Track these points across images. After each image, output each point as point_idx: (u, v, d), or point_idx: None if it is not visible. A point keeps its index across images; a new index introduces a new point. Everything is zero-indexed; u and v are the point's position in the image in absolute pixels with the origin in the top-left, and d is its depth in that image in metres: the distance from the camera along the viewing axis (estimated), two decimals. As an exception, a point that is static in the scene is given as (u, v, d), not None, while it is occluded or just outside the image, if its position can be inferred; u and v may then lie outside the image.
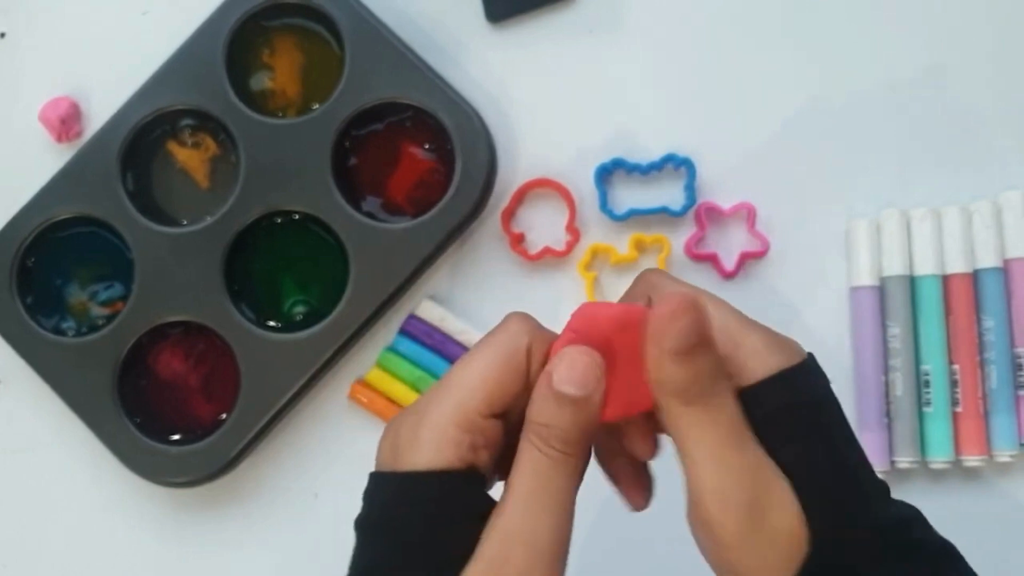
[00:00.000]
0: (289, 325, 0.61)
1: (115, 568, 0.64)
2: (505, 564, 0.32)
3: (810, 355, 0.35)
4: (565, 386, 0.32)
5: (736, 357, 0.34)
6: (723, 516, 0.32)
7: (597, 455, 0.37)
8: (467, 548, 0.33)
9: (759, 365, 0.34)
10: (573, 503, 0.33)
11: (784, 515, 0.33)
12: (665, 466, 0.37)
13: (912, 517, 0.35)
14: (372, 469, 0.36)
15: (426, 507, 0.33)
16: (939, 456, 0.57)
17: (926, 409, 0.58)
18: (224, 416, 0.60)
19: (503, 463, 0.35)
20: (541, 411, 0.33)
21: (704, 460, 0.33)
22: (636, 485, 0.37)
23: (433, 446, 0.33)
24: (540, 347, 0.34)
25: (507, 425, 0.35)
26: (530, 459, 0.33)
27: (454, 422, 0.33)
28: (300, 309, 0.62)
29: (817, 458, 0.34)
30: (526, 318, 0.35)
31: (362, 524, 0.35)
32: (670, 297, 0.32)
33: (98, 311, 0.63)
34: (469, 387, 0.34)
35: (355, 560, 0.35)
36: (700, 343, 0.32)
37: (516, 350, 0.34)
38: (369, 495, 0.35)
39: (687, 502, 0.34)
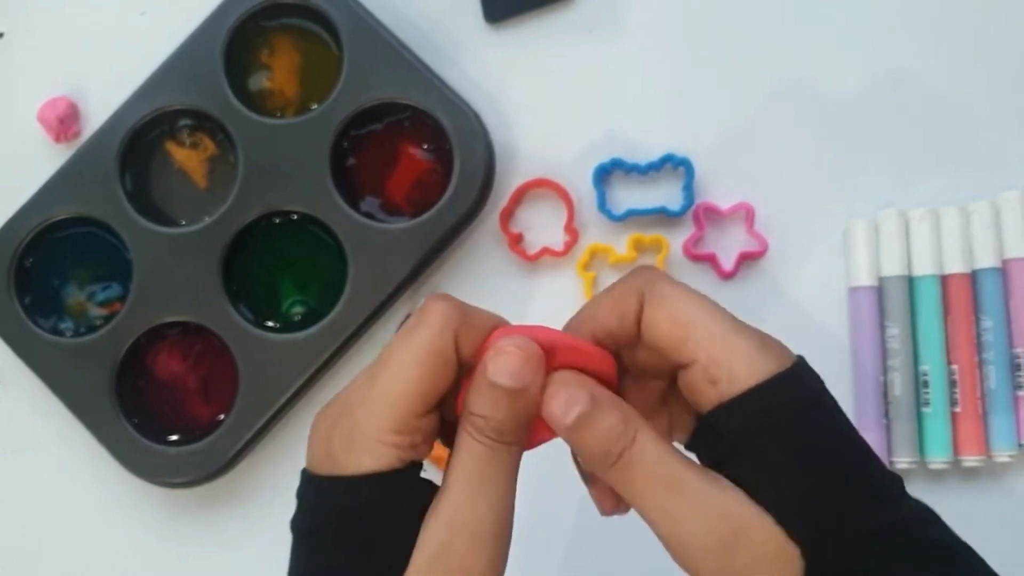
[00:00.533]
0: (287, 325, 0.61)
1: (113, 569, 0.64)
2: (448, 552, 0.32)
3: (800, 357, 0.35)
4: (501, 377, 0.32)
5: (724, 361, 0.33)
6: (690, 563, 0.32)
7: (573, 456, 0.37)
8: (411, 542, 0.33)
9: (748, 370, 0.33)
10: (514, 489, 0.34)
11: (755, 543, 0.32)
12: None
13: (924, 516, 0.34)
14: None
15: (369, 511, 0.33)
16: (938, 456, 0.57)
17: (925, 409, 0.58)
18: (222, 416, 0.60)
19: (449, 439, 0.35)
20: (477, 402, 0.33)
21: (650, 514, 0.33)
22: (607, 491, 0.37)
23: (371, 452, 0.33)
24: (468, 329, 0.34)
25: (444, 412, 0.35)
26: (468, 449, 0.33)
27: (390, 428, 0.33)
28: (298, 309, 0.62)
29: (803, 465, 0.33)
30: (447, 303, 0.34)
31: (300, 528, 0.35)
32: (553, 378, 0.33)
33: (96, 311, 0.63)
34: (401, 390, 0.33)
35: (294, 563, 0.35)
36: (587, 412, 0.32)
37: (444, 344, 0.33)
38: (304, 496, 0.35)
39: None
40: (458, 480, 0.33)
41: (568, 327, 0.36)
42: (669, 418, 0.38)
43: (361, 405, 0.34)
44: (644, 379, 0.37)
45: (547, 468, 0.58)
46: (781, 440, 0.33)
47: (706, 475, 0.33)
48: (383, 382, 0.33)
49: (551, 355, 0.34)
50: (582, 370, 0.34)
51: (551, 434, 0.35)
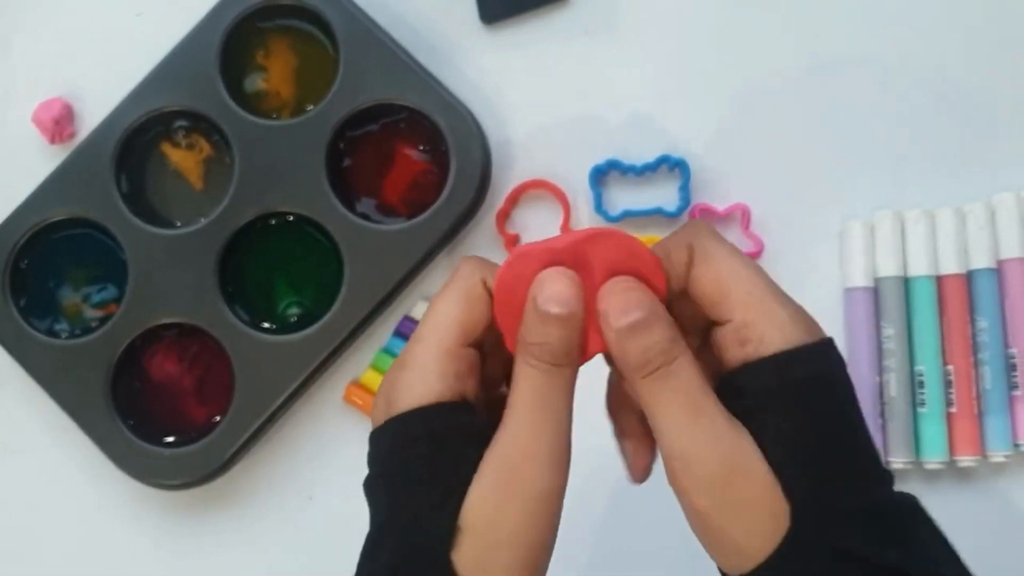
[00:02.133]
0: (283, 327, 0.61)
1: (110, 570, 0.64)
2: (514, 473, 0.34)
3: (830, 339, 0.36)
4: (550, 305, 0.34)
5: (758, 325, 0.34)
6: (688, 483, 0.34)
7: (608, 407, 0.38)
8: (470, 471, 0.34)
9: (779, 337, 0.34)
10: (571, 409, 0.35)
11: (753, 485, 0.33)
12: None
13: (914, 506, 0.35)
14: (366, 469, 0.37)
15: (423, 440, 0.35)
16: (933, 457, 0.58)
17: (920, 410, 0.58)
18: (218, 418, 0.60)
19: (490, 403, 0.37)
20: (531, 331, 0.35)
21: (667, 429, 0.34)
22: (641, 446, 0.38)
23: (420, 384, 0.35)
24: (493, 276, 0.36)
25: (484, 359, 0.37)
26: (526, 376, 0.35)
27: (435, 358, 0.35)
28: (294, 311, 0.62)
29: (813, 434, 0.34)
30: (475, 258, 0.37)
31: (367, 483, 0.37)
32: (616, 281, 0.35)
33: (92, 313, 0.63)
34: (442, 326, 0.35)
35: (372, 518, 0.36)
36: (645, 320, 0.34)
37: (473, 284, 0.36)
38: (370, 456, 0.37)
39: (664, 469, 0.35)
40: (519, 406, 0.35)
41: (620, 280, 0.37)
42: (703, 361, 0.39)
43: (409, 352, 0.36)
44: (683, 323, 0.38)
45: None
46: (794, 407, 0.34)
47: (727, 415, 0.34)
48: (426, 327, 0.36)
49: (609, 253, 0.35)
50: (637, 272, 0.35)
51: (602, 346, 0.36)
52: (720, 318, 0.35)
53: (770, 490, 0.33)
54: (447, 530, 0.34)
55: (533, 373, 0.35)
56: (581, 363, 0.36)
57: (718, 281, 0.35)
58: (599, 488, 0.60)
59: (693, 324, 0.37)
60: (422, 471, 0.35)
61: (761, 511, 0.33)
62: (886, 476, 0.35)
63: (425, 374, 0.35)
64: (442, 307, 0.36)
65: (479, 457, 0.35)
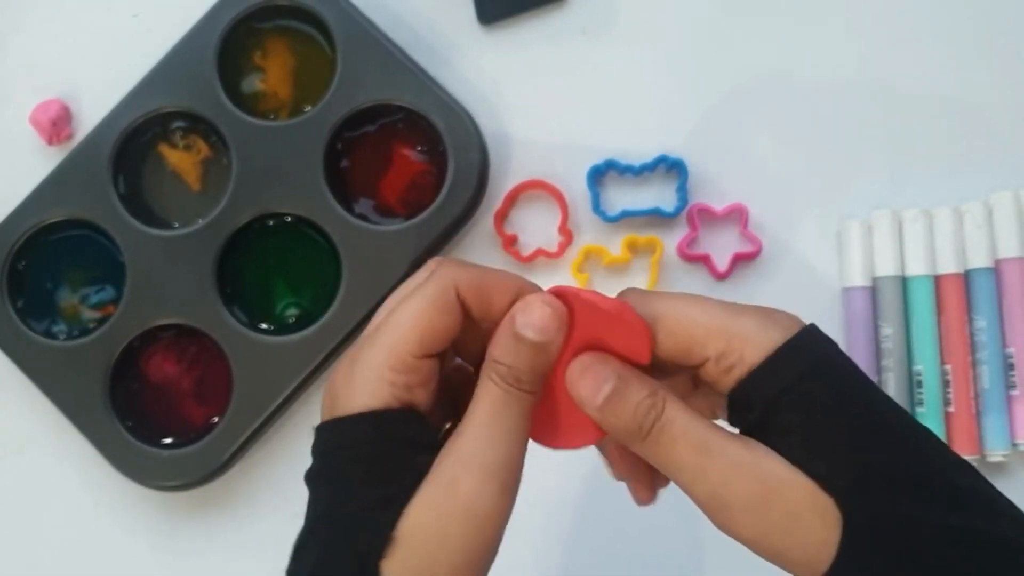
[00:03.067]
0: (281, 328, 0.61)
1: (107, 572, 0.64)
2: (456, 485, 0.34)
3: (811, 325, 0.36)
4: (527, 330, 0.34)
5: (732, 350, 0.34)
6: (730, 519, 0.33)
7: (601, 451, 0.38)
8: (413, 481, 0.34)
9: (754, 349, 0.34)
10: (525, 436, 0.35)
11: (789, 494, 0.33)
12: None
13: (958, 463, 0.35)
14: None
15: (364, 446, 0.34)
16: (932, 456, 0.58)
17: (919, 409, 0.58)
18: (216, 419, 0.60)
19: (450, 407, 0.37)
20: (502, 351, 0.34)
21: (688, 480, 0.34)
22: (641, 484, 0.38)
23: (367, 389, 0.34)
24: (469, 284, 0.35)
25: (446, 364, 0.36)
26: (487, 392, 0.34)
27: (387, 365, 0.34)
28: (292, 311, 0.62)
29: (824, 421, 0.34)
30: (451, 261, 0.36)
31: (308, 477, 0.36)
32: (576, 363, 0.35)
33: (89, 314, 0.63)
34: (401, 330, 0.34)
35: (307, 512, 0.36)
36: (617, 388, 0.34)
37: (445, 290, 0.35)
38: (313, 448, 0.36)
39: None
40: (473, 419, 0.34)
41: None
42: (704, 398, 0.39)
43: (363, 351, 0.35)
44: (668, 374, 0.38)
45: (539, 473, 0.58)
46: (798, 401, 0.34)
47: (736, 438, 0.34)
48: (385, 324, 0.35)
49: (589, 319, 0.35)
50: (616, 343, 0.35)
51: (597, 434, 0.36)
52: (698, 363, 0.35)
53: (809, 493, 0.33)
54: (382, 537, 0.33)
55: (493, 389, 0.34)
56: (572, 446, 0.36)
57: (674, 337, 0.35)
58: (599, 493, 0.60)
59: (676, 370, 0.37)
60: (362, 475, 0.34)
61: (810, 517, 0.33)
62: (920, 432, 0.35)
63: (373, 381, 0.34)
64: (406, 312, 0.35)
65: (426, 467, 0.34)
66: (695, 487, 0.34)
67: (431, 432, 0.36)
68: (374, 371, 0.34)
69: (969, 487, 0.34)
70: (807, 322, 0.36)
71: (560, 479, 0.60)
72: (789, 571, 0.34)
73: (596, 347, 0.35)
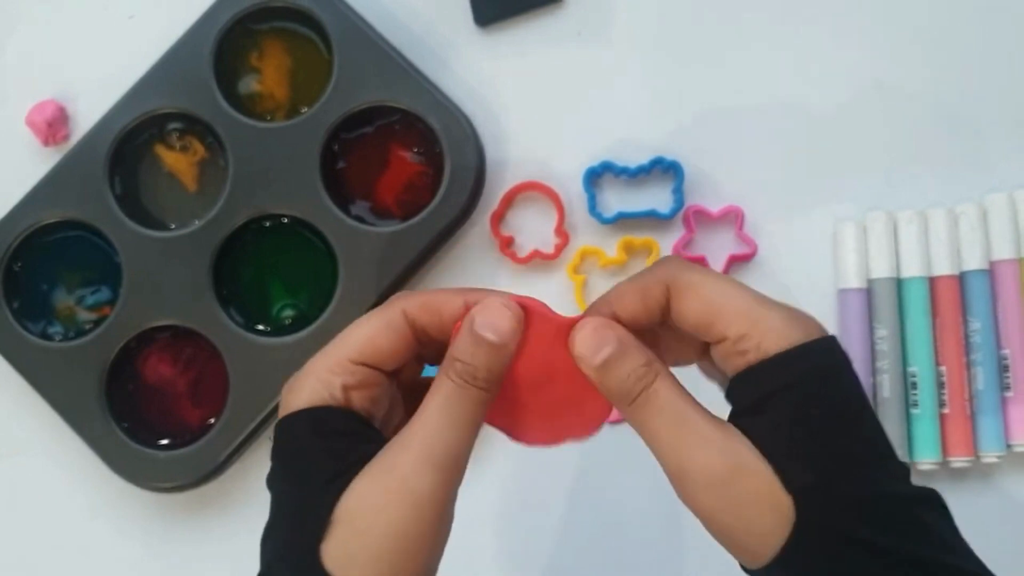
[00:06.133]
0: (278, 329, 0.61)
1: (102, 573, 0.64)
2: (395, 468, 0.35)
3: (832, 336, 0.36)
4: (485, 330, 0.36)
5: (753, 335, 0.35)
6: (690, 490, 0.35)
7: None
8: (354, 465, 0.36)
9: (773, 341, 0.35)
10: (473, 433, 0.36)
11: (751, 481, 0.34)
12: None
13: (930, 498, 0.35)
14: None
15: (303, 438, 0.37)
16: (926, 457, 0.58)
17: (913, 410, 0.58)
18: (212, 420, 0.60)
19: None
20: (459, 348, 0.36)
21: (661, 448, 0.35)
22: None
23: (307, 389, 0.37)
24: (416, 304, 0.38)
25: (394, 382, 0.39)
26: (441, 385, 0.36)
27: (327, 367, 0.37)
28: (289, 313, 0.62)
29: (813, 427, 0.34)
30: (406, 292, 0.39)
31: (267, 479, 0.38)
32: (584, 322, 0.36)
33: (85, 315, 0.63)
34: (346, 342, 0.38)
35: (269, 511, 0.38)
36: (617, 352, 0.36)
37: (391, 310, 0.38)
38: (271, 451, 0.38)
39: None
40: (423, 411, 0.36)
41: (592, 310, 0.38)
42: (708, 367, 0.40)
43: (310, 359, 0.38)
44: (672, 354, 0.39)
45: (536, 473, 0.57)
46: (793, 403, 0.34)
47: (714, 420, 0.35)
48: (333, 341, 0.38)
49: (543, 329, 0.37)
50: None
51: (603, 416, 0.38)
52: (716, 339, 0.36)
53: (770, 485, 0.34)
54: (321, 520, 0.35)
55: (448, 384, 0.36)
56: (584, 433, 0.38)
57: (704, 307, 0.36)
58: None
59: (684, 349, 0.38)
60: (304, 466, 0.36)
61: (764, 506, 0.34)
62: (896, 467, 0.35)
63: (311, 380, 0.37)
64: (355, 326, 0.38)
65: (366, 457, 0.36)
66: (666, 457, 0.35)
67: (370, 429, 0.37)
68: (313, 374, 0.37)
69: (930, 523, 0.35)
70: (829, 332, 0.36)
71: (544, 477, 0.60)
72: (733, 553, 0.35)
73: (550, 357, 0.37)
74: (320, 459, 0.36)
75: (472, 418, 0.36)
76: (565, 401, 0.38)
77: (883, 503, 0.34)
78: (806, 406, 0.34)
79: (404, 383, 0.40)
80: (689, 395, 0.36)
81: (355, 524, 0.35)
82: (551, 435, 0.39)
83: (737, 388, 0.36)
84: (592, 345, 0.36)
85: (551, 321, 0.37)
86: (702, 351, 0.38)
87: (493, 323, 0.36)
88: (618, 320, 0.37)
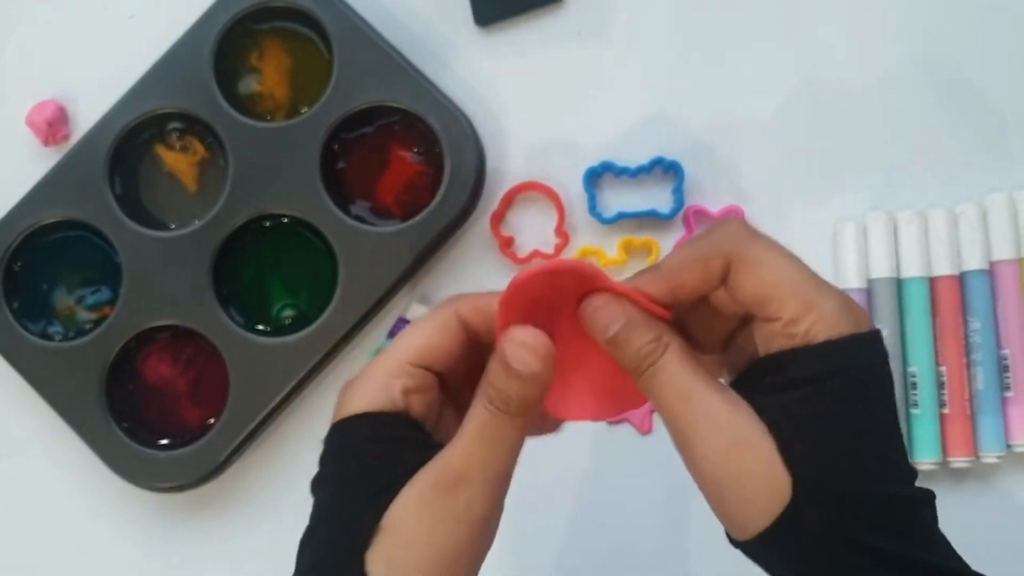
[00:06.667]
0: (278, 329, 0.61)
1: (102, 573, 0.64)
2: (439, 490, 0.35)
3: (877, 330, 0.36)
4: (516, 362, 0.35)
5: (805, 320, 0.35)
6: (692, 459, 0.35)
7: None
8: (404, 473, 0.36)
9: (824, 328, 0.35)
10: (512, 458, 0.37)
11: (752, 456, 0.34)
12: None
13: (928, 502, 0.36)
14: None
15: (357, 444, 0.37)
16: (926, 457, 0.58)
17: (913, 410, 0.58)
18: (212, 420, 0.60)
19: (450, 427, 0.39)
20: (493, 376, 0.36)
21: (669, 419, 0.36)
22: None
23: (366, 393, 0.37)
24: (469, 306, 0.38)
25: (446, 385, 0.39)
26: (477, 412, 0.36)
27: (385, 372, 0.37)
28: (289, 313, 0.62)
29: (831, 418, 0.35)
30: (458, 294, 0.39)
31: (312, 482, 0.38)
32: (589, 301, 0.37)
33: (85, 315, 0.63)
34: (402, 346, 0.38)
35: (309, 518, 0.38)
36: (622, 330, 0.36)
37: (444, 313, 0.38)
38: (320, 456, 0.38)
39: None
40: (462, 434, 0.36)
41: (644, 276, 0.38)
42: (729, 354, 0.40)
43: (367, 365, 0.38)
44: (714, 320, 0.39)
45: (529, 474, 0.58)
46: (821, 391, 0.35)
47: (721, 393, 0.36)
48: (390, 346, 0.38)
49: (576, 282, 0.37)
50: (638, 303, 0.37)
51: (637, 402, 0.38)
52: (768, 317, 0.36)
53: (769, 462, 0.34)
54: (367, 528, 0.35)
55: (483, 412, 0.36)
56: (629, 409, 0.39)
57: (763, 285, 0.36)
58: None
59: (728, 318, 0.38)
60: (353, 472, 0.37)
61: (761, 483, 0.34)
62: (904, 471, 0.36)
63: (371, 385, 0.37)
64: (410, 329, 0.38)
65: (417, 465, 0.36)
66: (673, 428, 0.36)
67: (424, 435, 0.37)
68: (372, 378, 0.37)
69: (927, 526, 0.35)
70: (875, 327, 0.37)
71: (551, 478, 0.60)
72: (722, 521, 0.36)
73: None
74: (374, 466, 0.36)
75: (511, 444, 0.37)
76: (610, 373, 0.38)
77: (881, 501, 0.34)
78: (835, 397, 0.35)
79: (452, 389, 0.40)
80: (700, 368, 0.36)
81: (401, 535, 0.35)
82: (597, 409, 0.39)
83: (771, 365, 0.36)
84: (601, 322, 0.36)
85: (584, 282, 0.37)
86: (735, 328, 0.39)
87: (522, 356, 0.35)
88: (673, 296, 0.37)
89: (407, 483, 0.36)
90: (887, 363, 0.36)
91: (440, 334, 0.38)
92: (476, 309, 0.38)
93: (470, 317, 0.38)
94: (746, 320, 0.38)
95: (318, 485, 0.38)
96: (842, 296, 0.36)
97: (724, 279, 0.36)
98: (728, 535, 0.36)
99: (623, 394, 0.38)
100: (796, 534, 0.34)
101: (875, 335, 0.36)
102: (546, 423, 0.40)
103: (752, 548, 0.35)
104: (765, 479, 0.34)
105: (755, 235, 0.37)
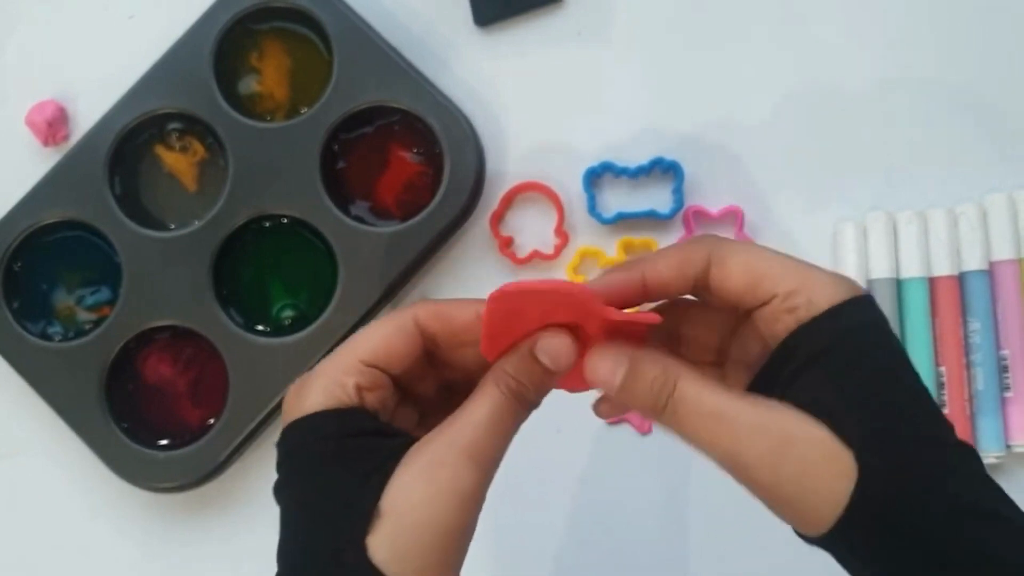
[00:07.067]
0: (278, 329, 0.61)
1: (101, 574, 0.64)
2: (445, 466, 0.35)
3: (871, 295, 0.37)
4: (544, 357, 0.37)
5: (803, 290, 0.36)
6: (748, 477, 0.35)
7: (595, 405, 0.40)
8: (390, 459, 0.36)
9: (823, 296, 0.35)
10: (511, 438, 0.38)
11: (803, 444, 0.34)
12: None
13: (972, 451, 0.36)
14: None
15: (329, 437, 0.37)
16: (926, 458, 0.58)
17: (913, 411, 0.58)
18: (212, 421, 0.60)
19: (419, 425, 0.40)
20: (515, 366, 0.37)
21: (707, 444, 0.36)
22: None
23: (320, 390, 0.37)
24: (427, 311, 0.38)
25: (398, 384, 0.39)
26: (490, 394, 0.37)
27: (339, 369, 0.37)
28: (289, 313, 0.62)
29: (868, 374, 0.35)
30: (423, 300, 0.40)
31: (276, 488, 0.39)
32: (592, 353, 0.37)
33: (85, 316, 0.63)
34: (355, 344, 0.38)
35: (281, 522, 0.38)
36: (630, 371, 0.36)
37: (401, 316, 0.38)
38: (278, 461, 0.39)
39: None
40: (471, 411, 0.37)
41: (620, 270, 0.38)
42: (730, 364, 0.40)
43: (316, 366, 0.38)
44: (702, 333, 0.40)
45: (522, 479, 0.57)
46: (846, 354, 0.35)
47: (746, 399, 0.35)
48: (343, 345, 0.39)
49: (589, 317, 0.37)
50: (622, 323, 0.37)
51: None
52: (762, 299, 0.36)
53: (823, 443, 0.34)
54: (365, 513, 0.35)
55: (497, 394, 0.37)
56: (575, 389, 0.39)
57: (749, 269, 0.36)
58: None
59: (717, 323, 0.39)
60: (332, 461, 0.36)
61: (823, 468, 0.34)
62: (945, 420, 0.36)
63: (324, 383, 0.37)
64: (366, 330, 0.38)
65: (398, 451, 0.36)
66: (712, 451, 0.35)
67: (391, 427, 0.38)
68: (326, 376, 0.37)
69: (979, 471, 0.35)
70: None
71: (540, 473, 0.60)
72: (796, 523, 0.35)
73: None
74: (354, 456, 0.36)
75: (513, 428, 0.38)
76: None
77: (942, 446, 0.34)
78: (860, 357, 0.35)
79: (404, 387, 0.40)
80: (716, 384, 0.36)
81: (404, 518, 0.35)
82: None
83: (789, 347, 0.36)
84: (607, 370, 0.37)
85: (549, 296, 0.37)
86: (732, 329, 0.39)
87: (553, 351, 0.37)
88: (646, 285, 0.38)
89: (400, 467, 0.35)
90: (888, 323, 0.37)
91: (396, 336, 0.38)
92: (436, 315, 0.38)
93: (429, 323, 0.38)
94: (739, 322, 0.38)
95: (284, 489, 0.38)
96: (826, 270, 0.37)
97: (701, 280, 0.37)
98: (800, 535, 0.36)
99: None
100: (875, 507, 0.33)
101: (871, 298, 0.36)
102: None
103: (833, 538, 0.34)
104: (825, 464, 0.34)
105: (731, 239, 0.38)
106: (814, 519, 0.34)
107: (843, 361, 0.35)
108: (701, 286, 0.38)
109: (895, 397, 0.35)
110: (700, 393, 0.36)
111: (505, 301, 0.36)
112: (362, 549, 0.34)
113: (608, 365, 0.36)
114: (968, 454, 0.35)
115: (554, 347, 0.37)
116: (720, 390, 0.36)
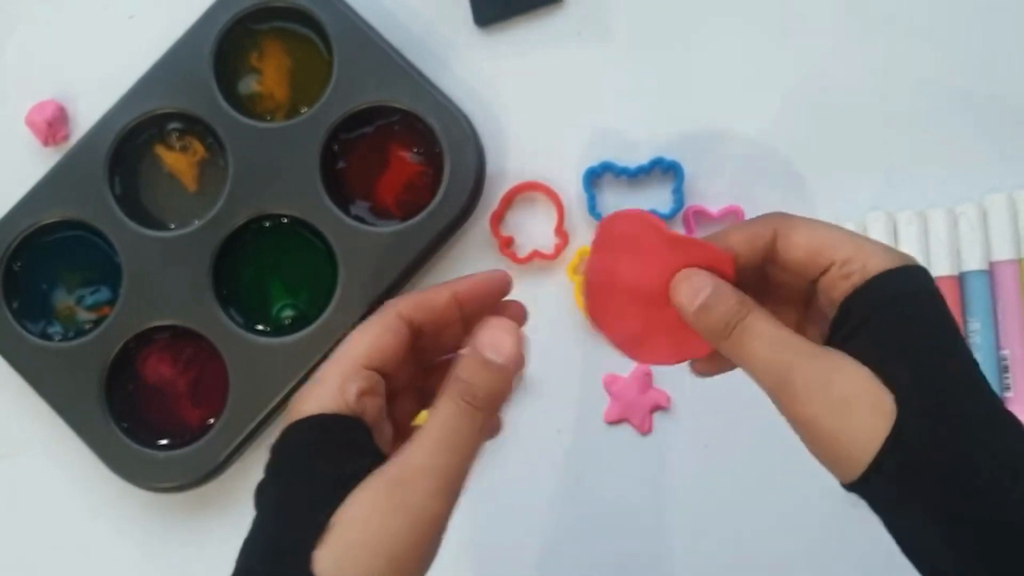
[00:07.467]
0: (278, 329, 0.61)
1: (101, 573, 0.64)
2: (397, 488, 0.36)
3: (924, 267, 0.39)
4: (487, 351, 0.37)
5: (858, 257, 0.37)
6: (793, 400, 0.36)
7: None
8: (353, 475, 0.36)
9: (877, 262, 0.37)
10: (473, 453, 0.37)
11: (849, 378, 0.36)
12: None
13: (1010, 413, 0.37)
14: None
15: (306, 446, 0.37)
16: (926, 458, 0.58)
17: (913, 411, 0.58)
18: (212, 421, 0.60)
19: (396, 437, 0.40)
20: (464, 368, 0.37)
21: (761, 370, 0.38)
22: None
23: (320, 396, 0.37)
24: (408, 304, 0.40)
25: (392, 390, 0.40)
26: (443, 407, 0.37)
27: (340, 374, 0.38)
28: (289, 313, 0.62)
29: (916, 333, 0.36)
30: (396, 298, 0.41)
31: (256, 489, 0.38)
32: (679, 276, 0.39)
33: (85, 315, 0.63)
34: (351, 346, 0.39)
35: (252, 521, 0.38)
36: (712, 295, 0.38)
37: (387, 314, 0.39)
38: (266, 463, 0.38)
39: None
40: (426, 431, 0.37)
41: (709, 238, 0.40)
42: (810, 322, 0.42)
43: (319, 370, 0.39)
44: (779, 307, 0.41)
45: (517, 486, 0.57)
46: (897, 312, 0.37)
47: (807, 340, 0.37)
48: (337, 351, 0.39)
49: (676, 248, 0.40)
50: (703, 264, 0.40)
51: (702, 349, 0.40)
52: (823, 266, 0.38)
53: (867, 380, 0.35)
54: (316, 526, 0.35)
55: (449, 406, 0.37)
56: (676, 360, 0.41)
57: (811, 239, 0.38)
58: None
59: (790, 296, 0.41)
60: (303, 473, 0.37)
61: (865, 404, 0.35)
62: (992, 390, 0.37)
63: (326, 388, 0.38)
64: (357, 334, 0.39)
65: (366, 469, 0.36)
66: (766, 376, 0.37)
67: (371, 443, 0.38)
68: (327, 381, 0.38)
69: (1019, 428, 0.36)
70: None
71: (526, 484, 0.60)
72: (830, 463, 0.36)
73: (664, 272, 0.40)
74: (322, 465, 0.36)
75: (474, 439, 0.37)
76: (677, 325, 0.40)
77: (979, 398, 0.35)
78: (909, 316, 0.36)
79: (389, 400, 0.40)
80: (784, 326, 0.38)
81: (353, 532, 0.35)
82: (673, 353, 0.41)
83: (844, 310, 0.37)
84: (690, 292, 0.38)
85: (663, 235, 0.40)
86: (805, 299, 0.40)
87: (495, 344, 0.37)
88: (730, 250, 0.39)
89: (361, 482, 0.36)
90: (940, 293, 0.38)
91: (386, 335, 0.39)
92: (417, 306, 0.39)
93: (413, 314, 0.39)
94: (806, 300, 0.40)
95: (262, 491, 0.38)
96: (881, 242, 0.39)
97: (770, 250, 0.39)
98: (840, 482, 0.36)
99: (689, 343, 0.40)
100: (911, 450, 0.34)
101: (924, 269, 0.38)
102: (492, 426, 0.40)
103: (867, 481, 0.35)
104: (867, 398, 0.35)
105: (803, 218, 0.40)
106: (851, 457, 0.35)
107: (892, 319, 0.36)
108: (770, 258, 0.39)
109: (940, 358, 0.36)
110: (767, 325, 0.38)
111: (619, 222, 0.39)
112: (307, 561, 0.34)
113: (694, 285, 0.38)
114: (1011, 419, 0.36)
115: (496, 340, 0.37)
116: (784, 328, 0.38)
